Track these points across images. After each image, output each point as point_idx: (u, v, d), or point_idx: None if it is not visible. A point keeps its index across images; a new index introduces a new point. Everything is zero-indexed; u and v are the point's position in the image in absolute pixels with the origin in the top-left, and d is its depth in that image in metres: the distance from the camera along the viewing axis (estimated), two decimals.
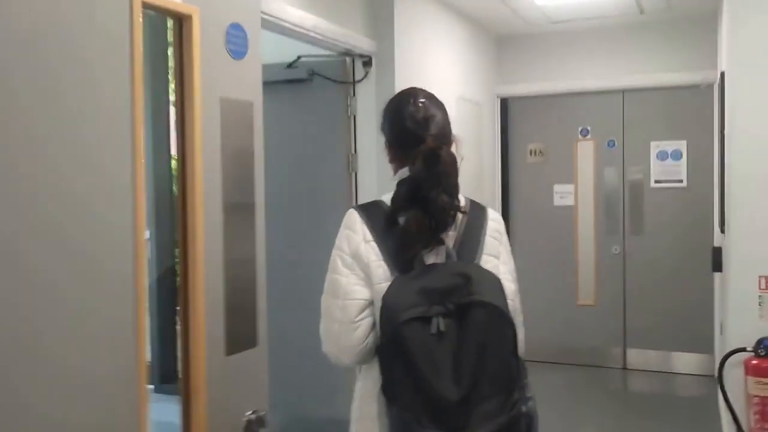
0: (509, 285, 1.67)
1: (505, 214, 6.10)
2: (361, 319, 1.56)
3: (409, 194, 1.58)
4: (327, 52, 3.99)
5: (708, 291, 5.40)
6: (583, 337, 5.88)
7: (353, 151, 4.14)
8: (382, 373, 1.51)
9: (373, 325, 1.57)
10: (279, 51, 4.08)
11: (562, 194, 5.93)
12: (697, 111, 5.52)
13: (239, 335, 1.82)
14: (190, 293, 1.69)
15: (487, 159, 5.88)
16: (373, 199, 1.74)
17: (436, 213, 1.57)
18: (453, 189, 1.63)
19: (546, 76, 5.88)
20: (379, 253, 1.58)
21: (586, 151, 5.88)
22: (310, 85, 4.10)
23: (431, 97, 1.77)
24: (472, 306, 1.48)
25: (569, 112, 5.93)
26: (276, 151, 4.27)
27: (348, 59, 4.09)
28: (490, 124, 5.97)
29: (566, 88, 5.84)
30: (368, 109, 4.11)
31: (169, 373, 5.38)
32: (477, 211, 1.73)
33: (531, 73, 5.94)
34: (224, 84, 1.87)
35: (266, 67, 4.27)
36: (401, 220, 1.57)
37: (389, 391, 1.48)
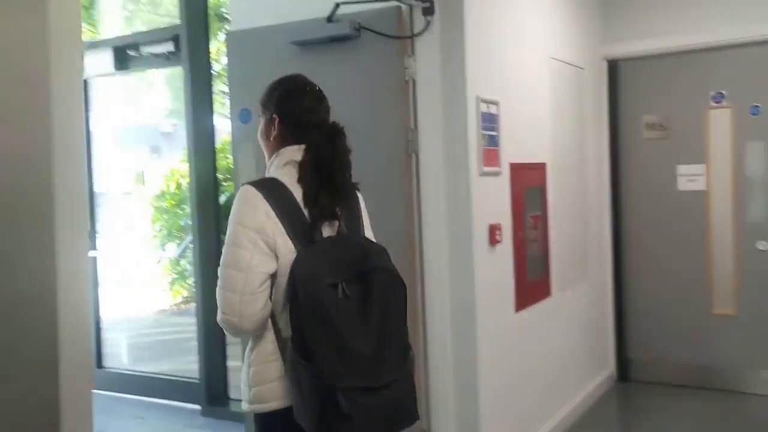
0: None
1: (616, 203, 4.98)
2: (262, 291, 1.71)
3: (317, 173, 1.76)
4: None
5: None
6: (720, 354, 4.69)
7: (412, 126, 3.22)
8: (295, 336, 1.65)
9: (270, 294, 1.74)
10: (313, 1, 3.23)
11: (690, 177, 4.75)
12: None
13: None
14: None
15: (592, 135, 4.78)
16: (265, 177, 1.83)
17: (340, 190, 1.78)
18: (350, 167, 1.83)
19: (667, 28, 4.70)
20: (282, 229, 1.71)
21: (720, 122, 4.66)
22: (357, 42, 3.22)
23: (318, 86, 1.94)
24: (374, 272, 1.71)
25: (698, 74, 4.72)
26: None
27: (404, 7, 3.18)
28: (595, 93, 4.87)
29: (693, 43, 4.64)
30: (431, 71, 3.19)
31: (218, 392, 4.73)
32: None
33: (647, 27, 4.77)
34: None
35: (299, 24, 3.50)
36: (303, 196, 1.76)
37: (305, 350, 1.63)
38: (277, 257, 1.70)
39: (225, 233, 1.76)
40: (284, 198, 1.73)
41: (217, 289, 1.72)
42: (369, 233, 1.92)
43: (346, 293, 1.64)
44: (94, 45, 5.18)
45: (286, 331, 1.70)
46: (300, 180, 1.76)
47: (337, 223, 1.78)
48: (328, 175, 1.75)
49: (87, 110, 5.38)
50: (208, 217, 4.66)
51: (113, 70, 5.08)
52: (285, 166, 1.81)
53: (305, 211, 1.74)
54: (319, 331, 1.61)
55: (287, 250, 1.70)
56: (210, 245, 4.60)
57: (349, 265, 1.68)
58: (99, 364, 5.36)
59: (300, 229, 1.71)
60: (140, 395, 5.09)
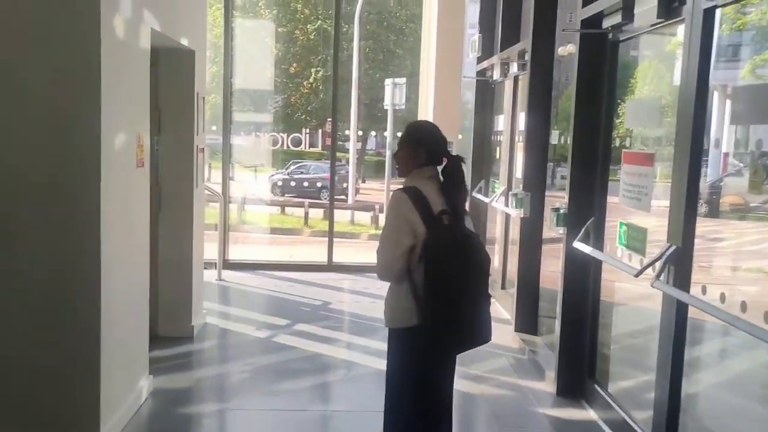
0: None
1: None
2: (401, 257, 2.81)
3: (446, 185, 2.94)
4: None
5: None
6: None
7: None
8: (424, 280, 2.76)
9: (408, 259, 2.82)
10: None
11: None
12: None
13: None
14: None
15: None
16: (409, 186, 2.93)
17: (455, 196, 2.93)
18: (465, 183, 3.02)
19: None
20: (419, 219, 2.80)
21: None
22: None
23: None
24: (469, 245, 2.85)
25: None
26: None
27: None
28: None
29: None
30: None
31: None
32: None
33: None
34: None
35: None
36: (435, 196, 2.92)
37: (431, 292, 2.76)
38: (414, 236, 2.79)
39: None
40: (420, 199, 2.83)
41: (378, 253, 2.87)
42: (469, 224, 2.97)
43: (453, 257, 2.74)
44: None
45: (418, 279, 2.78)
46: (441, 188, 2.91)
47: (448, 215, 2.83)
48: (452, 186, 2.91)
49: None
50: None
51: (657, 20, 3.77)
52: (429, 179, 2.93)
53: (432, 207, 2.81)
54: (437, 277, 2.73)
55: (421, 231, 2.78)
56: None
57: (456, 239, 2.80)
58: None
59: (429, 218, 2.80)
60: None
